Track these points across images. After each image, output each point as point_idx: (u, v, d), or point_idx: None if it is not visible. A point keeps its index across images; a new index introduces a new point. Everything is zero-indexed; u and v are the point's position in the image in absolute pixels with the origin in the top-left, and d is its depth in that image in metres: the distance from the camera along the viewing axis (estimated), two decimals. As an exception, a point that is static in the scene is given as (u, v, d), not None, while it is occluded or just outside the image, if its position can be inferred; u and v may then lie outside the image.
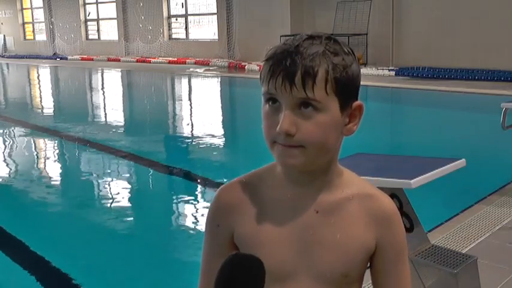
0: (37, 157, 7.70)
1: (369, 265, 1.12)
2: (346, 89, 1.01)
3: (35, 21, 29.00)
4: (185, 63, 19.41)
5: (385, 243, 1.08)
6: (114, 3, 23.73)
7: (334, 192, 1.08)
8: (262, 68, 1.03)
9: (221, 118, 10.53)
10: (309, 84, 0.97)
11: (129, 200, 5.60)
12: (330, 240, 1.06)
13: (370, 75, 13.69)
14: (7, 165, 7.14)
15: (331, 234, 1.06)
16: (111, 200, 5.55)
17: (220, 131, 9.11)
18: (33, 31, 29.13)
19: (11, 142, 8.76)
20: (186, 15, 21.54)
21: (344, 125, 1.04)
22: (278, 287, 1.07)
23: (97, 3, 25.29)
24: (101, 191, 5.93)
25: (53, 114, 11.64)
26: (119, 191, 5.83)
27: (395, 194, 2.53)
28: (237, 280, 0.87)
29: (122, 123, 10.09)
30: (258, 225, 1.08)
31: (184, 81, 16.54)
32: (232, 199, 1.11)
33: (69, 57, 24.57)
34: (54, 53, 26.31)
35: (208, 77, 16.51)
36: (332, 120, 1.01)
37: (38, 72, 21.49)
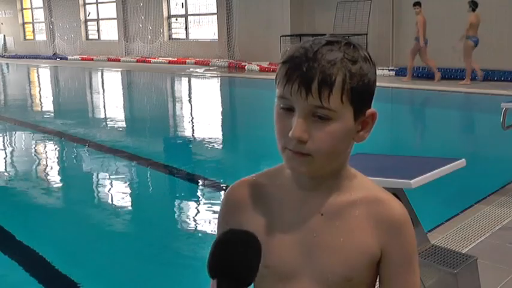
0: (37, 157, 7.70)
1: None
2: (362, 98, 1.01)
3: (35, 21, 29.00)
4: (185, 63, 19.41)
5: (392, 251, 1.06)
6: (114, 3, 23.73)
7: (342, 195, 1.07)
8: (278, 70, 1.02)
9: (221, 118, 10.53)
10: (325, 93, 0.96)
11: (129, 200, 5.60)
12: (333, 244, 1.05)
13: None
14: (7, 165, 7.14)
15: (335, 237, 1.06)
16: (110, 200, 5.55)
17: (220, 131, 9.12)
18: (33, 31, 29.12)
19: (11, 142, 8.76)
20: (186, 15, 21.54)
21: (356, 132, 1.04)
22: (281, 287, 1.07)
23: (97, 3, 25.29)
24: (100, 190, 5.93)
25: (53, 114, 11.64)
26: (119, 191, 5.83)
27: (395, 194, 2.53)
28: (225, 255, 0.87)
29: (122, 124, 10.09)
30: (263, 224, 1.09)
31: (184, 81, 16.53)
32: (240, 197, 1.12)
33: (69, 57, 24.57)
34: (54, 53, 26.31)
35: (208, 77, 16.51)
36: (345, 129, 1.00)
37: (38, 72, 21.49)
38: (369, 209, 1.07)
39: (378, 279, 1.11)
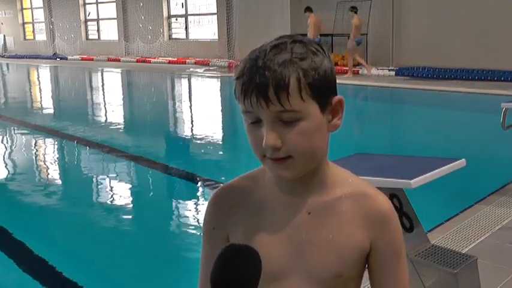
0: (37, 157, 7.70)
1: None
2: (322, 90, 1.00)
3: (35, 21, 29.00)
4: (185, 63, 19.41)
5: (381, 244, 1.07)
6: (114, 3, 23.74)
7: (327, 192, 1.08)
8: (235, 87, 1.02)
9: (221, 118, 10.53)
10: (283, 96, 0.96)
11: (129, 199, 5.60)
12: (323, 241, 1.06)
13: (370, 75, 13.69)
14: (7, 165, 7.14)
15: (324, 234, 1.06)
16: (110, 200, 5.55)
17: (220, 131, 9.12)
18: (33, 31, 29.13)
19: (11, 142, 8.76)
20: (186, 15, 21.54)
21: (328, 122, 1.04)
22: (272, 287, 1.07)
23: (97, 3, 25.30)
24: (100, 190, 5.93)
25: (53, 114, 11.64)
26: (118, 190, 5.83)
27: (395, 194, 2.53)
28: (228, 269, 0.88)
29: (122, 124, 10.09)
30: (251, 227, 1.09)
31: (184, 81, 16.53)
32: (226, 202, 1.13)
33: (69, 57, 24.58)
34: (54, 53, 26.32)
35: (208, 77, 16.51)
36: (315, 124, 1.00)
37: (38, 72, 21.49)
38: (356, 203, 1.07)
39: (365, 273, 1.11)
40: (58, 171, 6.84)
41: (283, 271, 1.07)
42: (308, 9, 14.56)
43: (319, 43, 1.05)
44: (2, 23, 29.90)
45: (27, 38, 29.36)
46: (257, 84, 0.97)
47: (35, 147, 8.29)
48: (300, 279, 1.06)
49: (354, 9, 13.80)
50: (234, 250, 0.91)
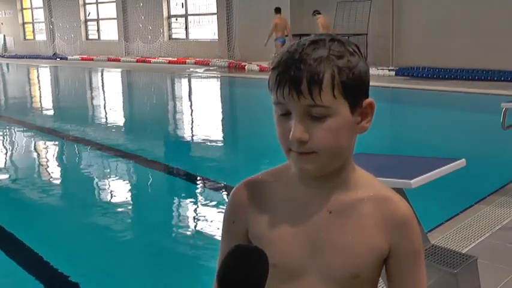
0: (37, 157, 7.70)
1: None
2: (354, 90, 1.02)
3: (35, 21, 29.01)
4: (185, 63, 19.41)
5: (400, 248, 1.08)
6: (114, 3, 23.74)
7: (349, 192, 1.08)
8: (269, 77, 1.04)
9: (221, 118, 10.53)
10: (315, 91, 0.97)
11: (129, 200, 5.60)
12: (341, 241, 1.06)
13: (370, 75, 13.68)
14: (7, 165, 7.14)
15: (343, 235, 1.06)
16: (111, 200, 5.55)
17: (220, 131, 9.12)
18: (33, 31, 29.14)
19: (11, 142, 8.76)
20: (186, 15, 21.54)
21: (356, 124, 1.05)
22: (288, 285, 1.08)
23: (97, 3, 25.30)
24: (100, 190, 5.93)
25: (53, 114, 11.64)
26: (119, 191, 5.83)
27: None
28: (238, 270, 0.89)
29: (122, 124, 10.09)
30: (270, 222, 1.09)
31: (184, 81, 16.53)
32: (246, 196, 1.13)
33: (69, 57, 24.58)
34: (54, 53, 26.32)
35: (208, 77, 16.51)
36: (343, 123, 1.01)
37: (38, 72, 21.49)
38: (377, 207, 1.08)
39: (381, 275, 1.12)
40: (58, 171, 6.84)
41: (300, 269, 1.07)
42: (275, 10, 14.90)
43: (356, 45, 1.06)
44: (2, 23, 29.90)
45: (27, 38, 29.36)
46: (291, 76, 0.98)
47: (34, 147, 8.28)
48: (315, 278, 1.07)
49: (315, 12, 14.17)
50: (244, 252, 0.91)
